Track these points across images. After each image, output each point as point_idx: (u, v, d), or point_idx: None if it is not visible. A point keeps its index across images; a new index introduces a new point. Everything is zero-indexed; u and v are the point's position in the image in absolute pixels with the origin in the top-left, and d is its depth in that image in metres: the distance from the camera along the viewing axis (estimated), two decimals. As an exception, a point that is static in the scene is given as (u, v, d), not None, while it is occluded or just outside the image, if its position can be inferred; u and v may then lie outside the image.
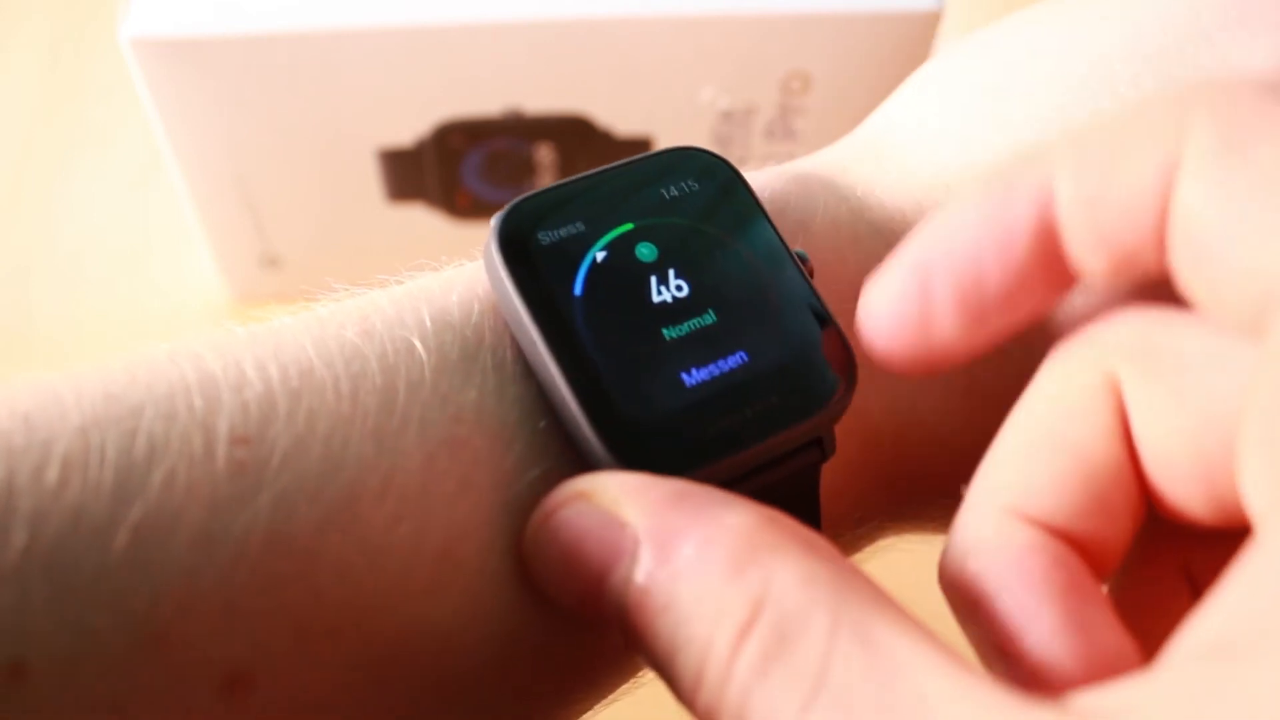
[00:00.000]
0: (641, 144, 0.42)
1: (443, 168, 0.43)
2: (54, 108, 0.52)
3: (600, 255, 0.20)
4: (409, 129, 0.41)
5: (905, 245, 0.18)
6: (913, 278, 0.18)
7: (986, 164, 0.22)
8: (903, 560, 0.23)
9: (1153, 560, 0.18)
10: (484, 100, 0.40)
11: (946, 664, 0.15)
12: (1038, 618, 0.16)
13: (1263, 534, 0.14)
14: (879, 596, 0.16)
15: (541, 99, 0.41)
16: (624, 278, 0.20)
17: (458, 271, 0.21)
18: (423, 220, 0.45)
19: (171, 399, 0.18)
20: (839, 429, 0.20)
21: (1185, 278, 0.16)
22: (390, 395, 0.18)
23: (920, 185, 0.23)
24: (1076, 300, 0.21)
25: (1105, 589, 0.18)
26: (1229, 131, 0.15)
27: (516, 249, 0.19)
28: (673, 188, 0.21)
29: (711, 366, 0.19)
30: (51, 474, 0.16)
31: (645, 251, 0.20)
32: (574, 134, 0.42)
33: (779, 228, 0.21)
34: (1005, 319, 0.18)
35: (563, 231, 0.20)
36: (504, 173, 0.43)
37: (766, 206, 0.21)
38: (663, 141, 0.42)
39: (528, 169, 0.43)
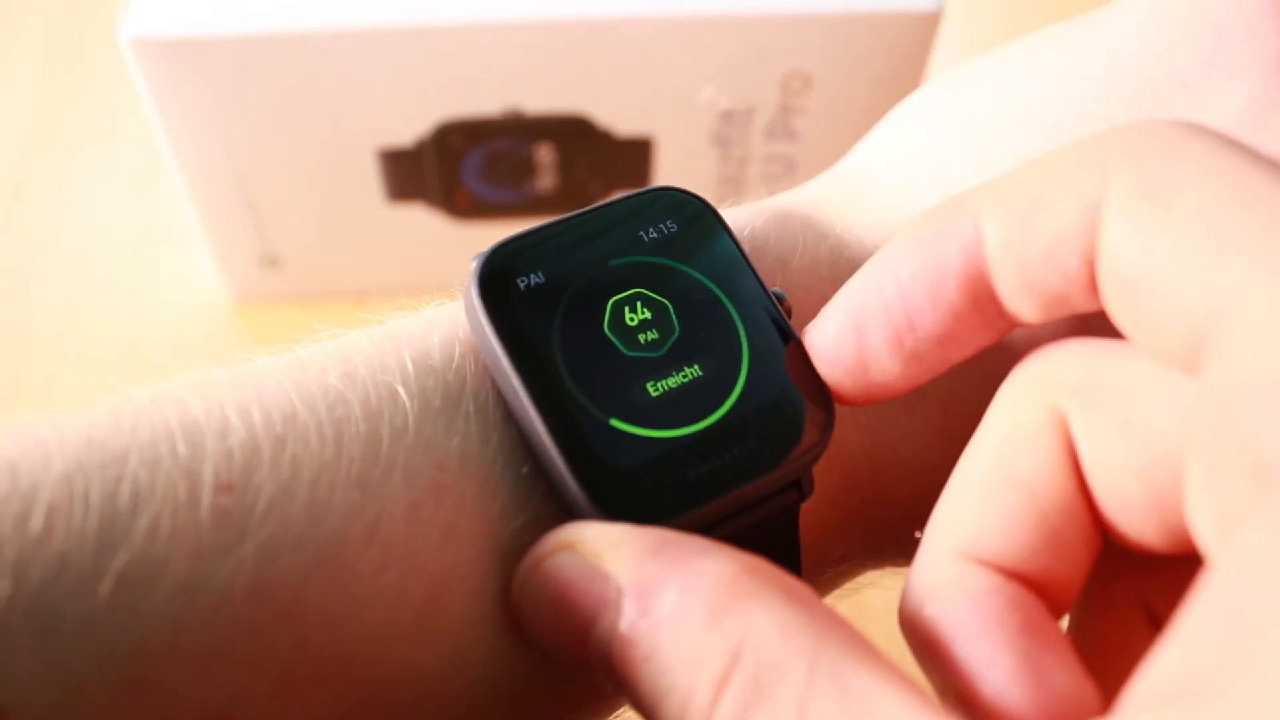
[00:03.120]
0: (641, 144, 0.42)
1: (443, 168, 0.43)
2: (54, 108, 0.52)
3: (581, 299, 0.20)
4: (409, 129, 0.41)
5: (843, 288, 0.19)
6: (847, 320, 0.19)
7: None
8: (882, 598, 0.23)
9: (1109, 595, 0.18)
10: (484, 100, 0.41)
11: (920, 709, 0.15)
12: (994, 664, 0.16)
13: (1212, 571, 0.14)
14: (855, 641, 0.16)
15: (541, 99, 0.41)
16: (604, 322, 0.20)
17: (439, 312, 0.21)
18: (423, 220, 0.45)
19: (155, 445, 0.18)
20: (817, 468, 0.20)
21: (1119, 318, 0.16)
22: (374, 442, 0.18)
23: (899, 222, 0.23)
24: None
25: (1065, 625, 0.18)
26: (1149, 174, 0.16)
27: (497, 293, 0.19)
28: (652, 230, 0.21)
29: (691, 411, 0.19)
30: (35, 522, 0.16)
31: (625, 296, 0.20)
32: (574, 134, 0.42)
33: (758, 266, 0.21)
34: (943, 356, 0.18)
35: (543, 275, 0.20)
36: (504, 173, 0.43)
37: (746, 245, 0.21)
38: (663, 141, 0.42)
39: (528, 169, 0.43)
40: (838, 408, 0.20)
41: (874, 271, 0.19)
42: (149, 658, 0.16)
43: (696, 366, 0.20)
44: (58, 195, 0.50)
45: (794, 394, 0.20)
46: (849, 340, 0.19)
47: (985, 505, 0.18)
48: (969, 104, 0.23)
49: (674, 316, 0.20)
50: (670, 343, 0.20)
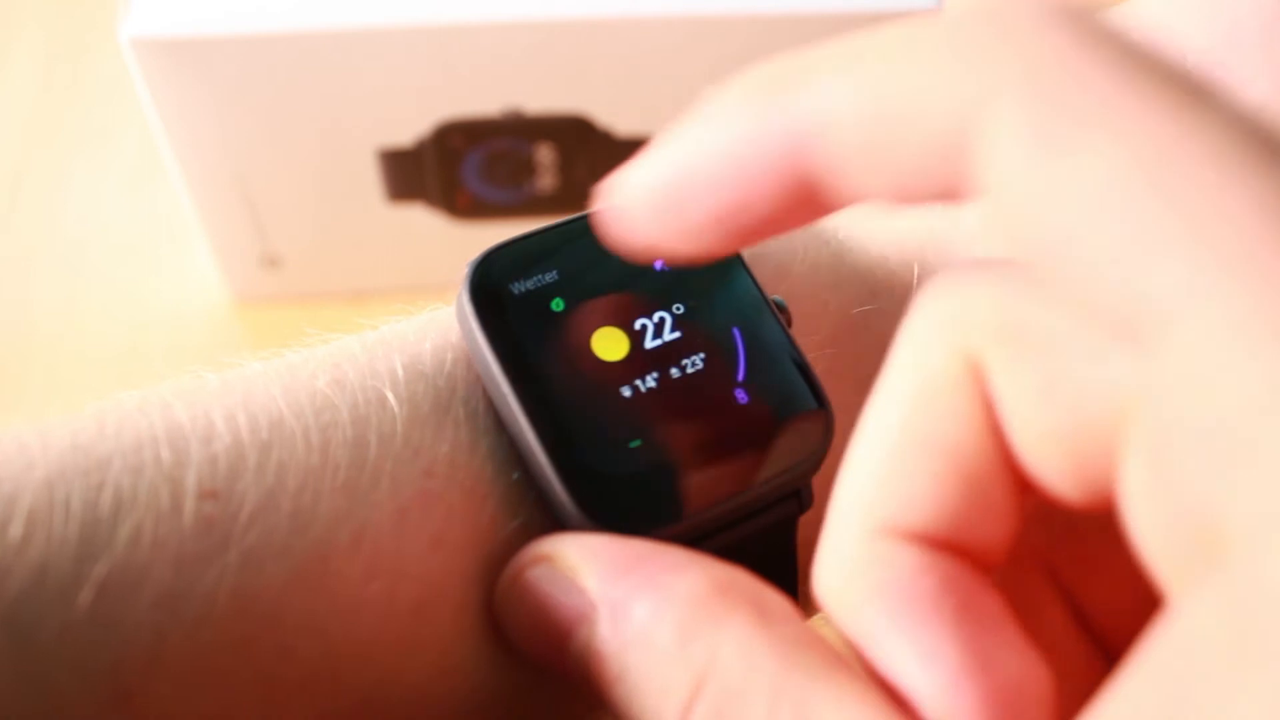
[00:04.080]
0: (642, 144, 0.42)
1: (443, 168, 0.43)
2: (54, 108, 0.52)
3: (573, 306, 0.20)
4: (409, 129, 0.41)
5: (665, 146, 0.16)
6: (673, 185, 0.16)
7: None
8: None
9: (1016, 566, 0.17)
10: (484, 100, 0.40)
11: None
12: (936, 659, 0.15)
13: (1169, 622, 0.13)
14: (826, 664, 0.15)
15: (541, 99, 0.41)
16: (596, 329, 0.20)
17: (432, 317, 0.21)
18: (423, 220, 0.45)
19: (139, 450, 0.17)
20: (819, 482, 0.20)
21: (1016, 254, 0.14)
22: (361, 448, 0.18)
23: (902, 227, 0.22)
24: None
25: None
26: (1047, 107, 0.13)
27: (488, 299, 0.19)
28: None
29: (685, 420, 0.19)
30: (15, 530, 0.16)
31: (619, 302, 0.20)
32: (574, 134, 0.42)
33: (757, 273, 0.21)
34: (754, 234, 0.16)
35: (535, 281, 0.20)
36: (504, 173, 0.43)
37: (745, 251, 0.21)
38: (663, 141, 0.42)
39: (528, 169, 0.43)
40: (837, 418, 0.20)
41: (697, 139, 0.16)
42: (131, 668, 0.16)
43: (691, 374, 0.19)
44: (57, 195, 0.50)
45: (791, 404, 0.19)
46: (670, 206, 0.16)
47: (903, 471, 0.15)
48: None
49: (669, 323, 0.20)
50: (665, 349, 0.20)
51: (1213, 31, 0.21)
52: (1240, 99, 0.13)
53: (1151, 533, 0.13)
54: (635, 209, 0.16)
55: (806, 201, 0.15)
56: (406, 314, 0.21)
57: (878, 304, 0.22)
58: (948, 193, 0.14)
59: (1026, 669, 0.15)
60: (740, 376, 0.20)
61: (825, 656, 0.16)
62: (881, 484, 0.16)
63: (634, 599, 0.16)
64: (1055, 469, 0.15)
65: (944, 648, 0.15)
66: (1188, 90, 0.13)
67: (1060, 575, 0.17)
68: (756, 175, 0.15)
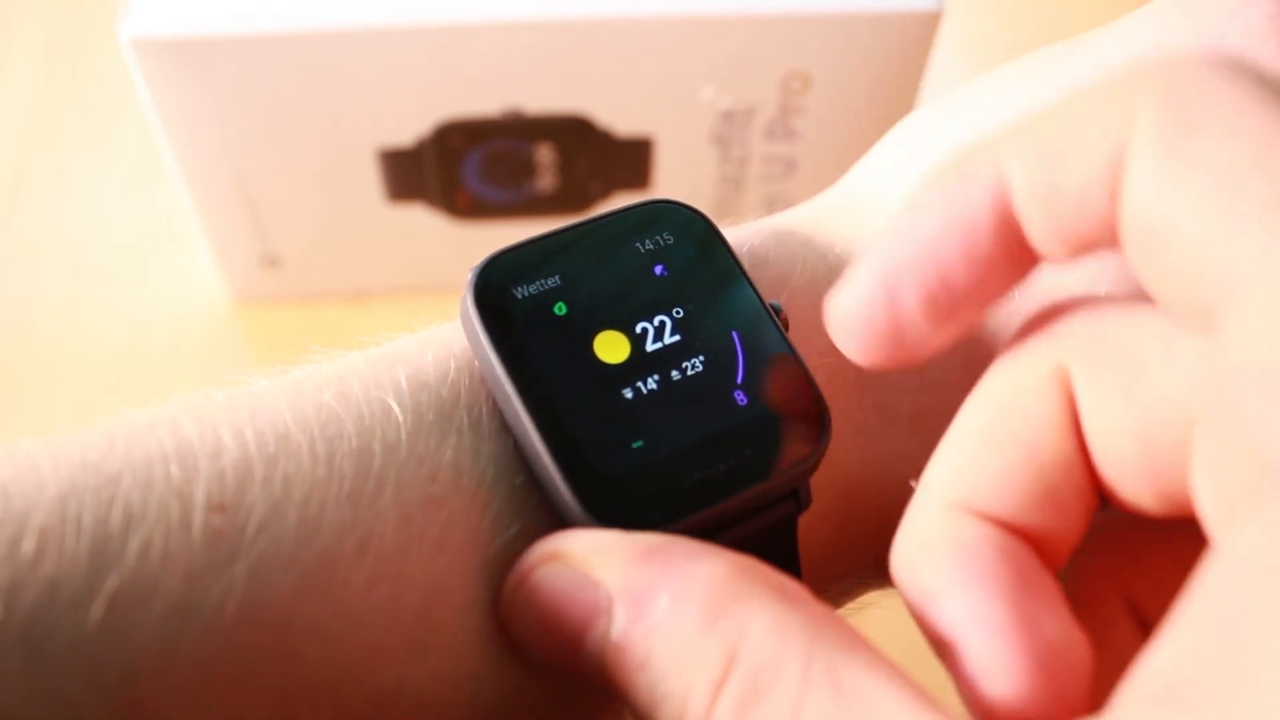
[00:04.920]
0: (641, 144, 0.42)
1: (443, 168, 0.43)
2: (54, 108, 0.52)
3: (576, 310, 0.20)
4: (409, 129, 0.41)
5: (869, 252, 0.18)
6: (877, 283, 0.17)
7: None
8: (886, 619, 0.23)
9: (1094, 590, 0.18)
10: (484, 100, 0.41)
11: (916, 706, 0.15)
12: (985, 612, 0.16)
13: (1208, 568, 0.14)
14: (851, 639, 0.16)
15: (541, 99, 0.41)
16: (599, 333, 0.20)
17: (434, 331, 0.21)
18: (423, 220, 0.45)
19: (149, 466, 0.18)
20: (816, 482, 0.20)
21: (1138, 268, 0.16)
22: (366, 458, 0.19)
23: None
24: (1029, 303, 0.21)
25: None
26: (1175, 118, 0.15)
27: (492, 303, 0.20)
28: (649, 242, 0.21)
29: (686, 421, 0.19)
30: (28, 546, 0.16)
31: (621, 306, 0.20)
32: (574, 134, 0.42)
33: (757, 283, 0.21)
34: (974, 308, 0.17)
35: (538, 286, 0.20)
36: (504, 173, 0.43)
37: (745, 262, 0.21)
38: (663, 141, 0.42)
39: (528, 169, 0.43)
40: (836, 423, 0.20)
41: (901, 230, 0.17)
42: (142, 679, 0.16)
43: (692, 376, 0.20)
44: (58, 195, 0.50)
45: (790, 404, 0.20)
46: (880, 304, 0.17)
47: (982, 457, 0.17)
48: (970, 125, 0.23)
49: (670, 327, 0.20)
50: (666, 353, 0.20)
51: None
52: None
53: (1214, 504, 0.14)
54: (854, 319, 0.18)
55: (1016, 253, 0.17)
56: (406, 312, 0.21)
57: None
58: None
59: (1070, 637, 0.16)
60: (739, 379, 0.20)
61: (851, 633, 0.16)
62: (963, 468, 0.17)
63: (655, 587, 0.17)
64: (1131, 472, 0.16)
65: (995, 605, 0.16)
66: None
67: (1136, 599, 0.18)
68: (969, 230, 0.17)
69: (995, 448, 0.17)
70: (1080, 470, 0.17)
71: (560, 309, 0.20)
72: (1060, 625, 0.16)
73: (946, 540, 0.17)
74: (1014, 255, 0.17)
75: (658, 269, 0.21)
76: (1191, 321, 0.15)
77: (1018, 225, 0.17)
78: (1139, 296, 0.17)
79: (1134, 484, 0.17)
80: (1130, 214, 0.15)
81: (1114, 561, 0.18)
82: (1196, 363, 0.16)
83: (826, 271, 0.22)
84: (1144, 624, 0.18)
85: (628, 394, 0.19)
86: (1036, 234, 0.17)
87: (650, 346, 0.20)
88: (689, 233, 0.21)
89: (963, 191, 0.17)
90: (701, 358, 0.20)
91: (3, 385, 0.44)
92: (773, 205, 0.45)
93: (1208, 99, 0.15)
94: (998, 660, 0.16)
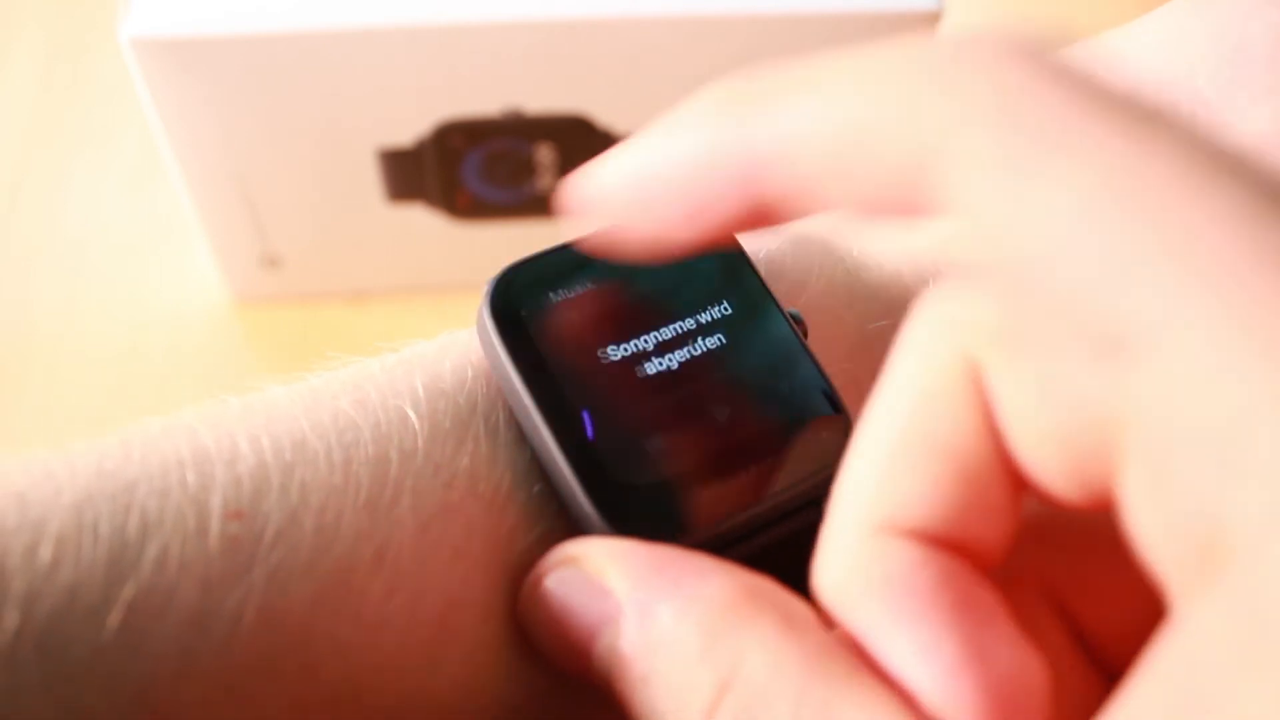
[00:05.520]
0: (641, 144, 0.42)
1: (443, 168, 0.43)
2: (54, 108, 0.52)
3: (592, 320, 0.20)
4: (409, 129, 0.41)
5: (632, 148, 0.17)
6: (636, 185, 0.17)
7: None
8: None
9: (1015, 585, 0.17)
10: (484, 100, 0.40)
11: None
12: (933, 652, 0.15)
13: (1178, 621, 0.13)
14: (849, 673, 0.15)
15: (541, 99, 0.41)
16: (616, 341, 0.20)
17: (452, 338, 0.21)
18: (423, 220, 0.45)
19: (165, 474, 0.18)
20: None
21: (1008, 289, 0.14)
22: (383, 465, 0.18)
23: (915, 246, 0.22)
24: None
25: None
26: (1010, 139, 0.13)
27: (509, 313, 0.20)
28: None
29: (705, 428, 0.19)
30: (44, 553, 0.16)
31: (638, 315, 0.20)
32: (574, 134, 0.42)
33: (774, 288, 0.21)
34: (714, 236, 0.16)
35: (555, 298, 0.20)
36: (504, 173, 0.43)
37: (761, 268, 0.21)
38: (663, 141, 0.42)
39: (528, 169, 0.43)
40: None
41: (665, 141, 0.17)
42: (159, 688, 0.16)
43: (710, 385, 0.20)
44: (57, 195, 0.50)
45: (810, 412, 0.20)
46: (640, 201, 0.17)
47: (902, 469, 0.16)
48: None
49: (688, 335, 0.20)
50: (685, 363, 0.20)
51: (1219, 52, 0.21)
52: (1191, 120, 0.13)
53: (1154, 538, 0.13)
54: (604, 201, 0.17)
55: (760, 216, 0.16)
56: (406, 312, 0.21)
57: (892, 320, 0.22)
58: (906, 211, 0.15)
59: (1023, 662, 0.15)
60: (759, 386, 0.20)
61: (849, 664, 0.16)
62: (881, 482, 0.16)
63: (659, 601, 0.17)
64: (1053, 468, 0.15)
65: (941, 639, 0.15)
66: (1143, 114, 0.13)
67: (1060, 596, 0.17)
68: (712, 191, 0.16)
69: (914, 458, 0.16)
70: (1003, 468, 0.16)
71: (577, 320, 0.20)
72: (1013, 652, 0.15)
73: (879, 570, 0.16)
74: (762, 212, 0.16)
75: (675, 279, 0.21)
76: (1083, 340, 0.14)
77: (780, 189, 0.15)
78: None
79: (1056, 480, 0.15)
80: (980, 231, 0.14)
81: (1036, 560, 0.17)
82: (1115, 373, 0.14)
83: (844, 275, 0.22)
84: (1069, 619, 0.18)
85: (646, 404, 0.19)
86: (814, 200, 0.15)
87: (668, 357, 0.20)
88: None
89: (728, 141, 0.16)
90: (721, 366, 0.20)
91: (3, 385, 0.44)
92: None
93: (1042, 108, 0.14)
94: (953, 700, 0.15)
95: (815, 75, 0.15)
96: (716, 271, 0.21)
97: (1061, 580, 0.18)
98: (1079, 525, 0.17)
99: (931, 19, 0.39)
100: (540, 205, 0.45)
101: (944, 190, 0.14)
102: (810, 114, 0.15)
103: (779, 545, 0.19)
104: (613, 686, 0.17)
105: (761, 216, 0.16)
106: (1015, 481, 0.16)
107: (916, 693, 0.15)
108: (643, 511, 0.18)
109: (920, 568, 0.15)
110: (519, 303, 0.20)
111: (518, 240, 0.45)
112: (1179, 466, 0.13)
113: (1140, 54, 0.22)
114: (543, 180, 0.44)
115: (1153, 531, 0.13)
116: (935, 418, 0.16)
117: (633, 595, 0.17)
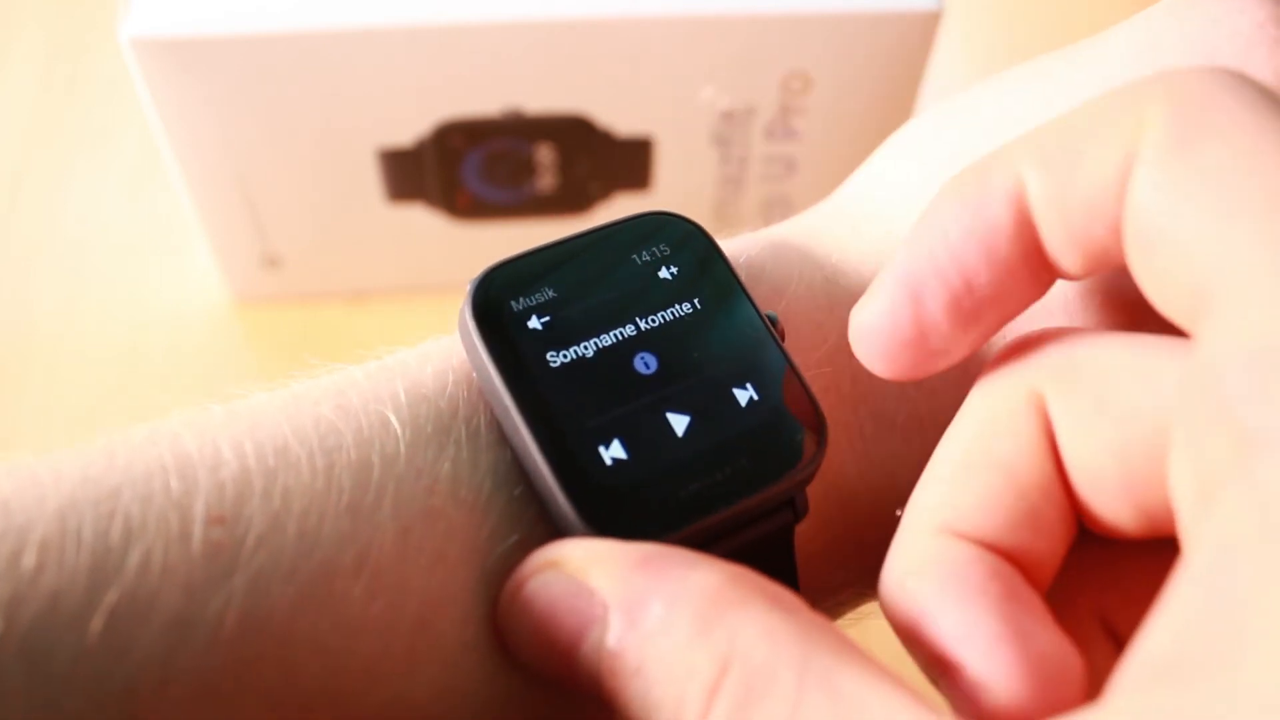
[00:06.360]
0: (641, 144, 0.42)
1: (443, 168, 0.43)
2: (54, 108, 0.52)
3: (575, 322, 0.20)
4: (409, 129, 0.41)
5: (892, 260, 0.18)
6: (902, 290, 0.18)
7: None
8: (885, 630, 0.23)
9: (1069, 610, 0.18)
10: (484, 100, 0.41)
11: (913, 710, 0.15)
12: (976, 630, 0.16)
13: (1196, 543, 0.14)
14: (845, 645, 0.16)
15: (541, 99, 0.41)
16: (597, 344, 0.20)
17: (433, 344, 0.21)
18: (423, 220, 0.45)
19: (149, 480, 0.18)
20: (813, 491, 0.20)
21: (1136, 272, 0.16)
22: (365, 470, 0.19)
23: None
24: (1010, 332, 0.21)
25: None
26: (1181, 125, 0.15)
27: (490, 314, 0.20)
28: (646, 253, 0.21)
29: (683, 431, 0.19)
30: (28, 559, 0.16)
31: (619, 317, 0.20)
32: (574, 134, 0.42)
33: (753, 294, 0.21)
34: (998, 316, 0.18)
35: (536, 298, 0.20)
36: (504, 173, 0.43)
37: (741, 273, 0.21)
38: (663, 141, 0.42)
39: (528, 169, 0.43)
40: (833, 433, 0.20)
41: (922, 237, 0.18)
42: (142, 693, 0.16)
43: (689, 387, 0.20)
44: (57, 195, 0.50)
45: (786, 414, 0.20)
46: (905, 310, 0.18)
47: (964, 483, 0.18)
48: (966, 131, 0.23)
49: (667, 338, 0.20)
50: (663, 364, 0.20)
51: (1190, 59, 0.21)
52: None
53: (1191, 485, 0.15)
54: (879, 328, 0.18)
55: (1035, 263, 0.17)
56: (406, 312, 0.21)
57: None
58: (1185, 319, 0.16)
59: (1060, 646, 0.17)
60: (737, 388, 0.20)
61: (842, 639, 0.16)
62: (947, 493, 0.18)
63: (649, 595, 0.17)
64: (1109, 491, 0.17)
65: (988, 619, 0.17)
66: None
67: (1118, 630, 0.18)
68: (990, 233, 0.17)
69: (977, 473, 0.18)
70: (1060, 493, 0.18)
71: (558, 321, 0.20)
72: (1051, 637, 0.17)
73: (935, 563, 0.17)
74: (1032, 264, 0.18)
75: (656, 281, 0.21)
76: (1185, 322, 0.16)
77: (1035, 231, 0.17)
78: (1108, 329, 0.18)
79: (1112, 503, 0.17)
80: (1132, 216, 0.16)
81: (1093, 587, 0.18)
82: (1168, 375, 0.16)
83: (823, 282, 0.22)
84: (1123, 648, 0.18)
85: (625, 405, 0.19)
86: (1052, 240, 0.17)
87: (643, 356, 0.20)
88: (686, 245, 0.21)
89: (981, 197, 0.17)
90: (699, 368, 0.20)
91: (3, 385, 0.44)
92: (772, 205, 0.45)
93: (1211, 109, 0.15)
94: (996, 671, 0.16)
95: (1031, 129, 0.18)
96: (697, 274, 0.21)
97: (1117, 608, 0.18)
98: (1135, 554, 0.18)
99: (931, 19, 0.39)
100: (540, 205, 0.45)
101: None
102: (1029, 149, 0.17)
103: (754, 546, 0.20)
104: (601, 685, 0.17)
105: (1031, 267, 0.18)
106: (1070, 508, 0.18)
107: (961, 665, 0.16)
108: (621, 512, 0.19)
109: (972, 562, 0.17)
110: (501, 303, 0.20)
111: (518, 240, 0.45)
112: (1220, 394, 0.14)
113: (1114, 63, 0.22)
114: (543, 180, 0.44)
115: (1192, 487, 0.15)
116: (997, 438, 0.18)
117: (617, 594, 0.17)
